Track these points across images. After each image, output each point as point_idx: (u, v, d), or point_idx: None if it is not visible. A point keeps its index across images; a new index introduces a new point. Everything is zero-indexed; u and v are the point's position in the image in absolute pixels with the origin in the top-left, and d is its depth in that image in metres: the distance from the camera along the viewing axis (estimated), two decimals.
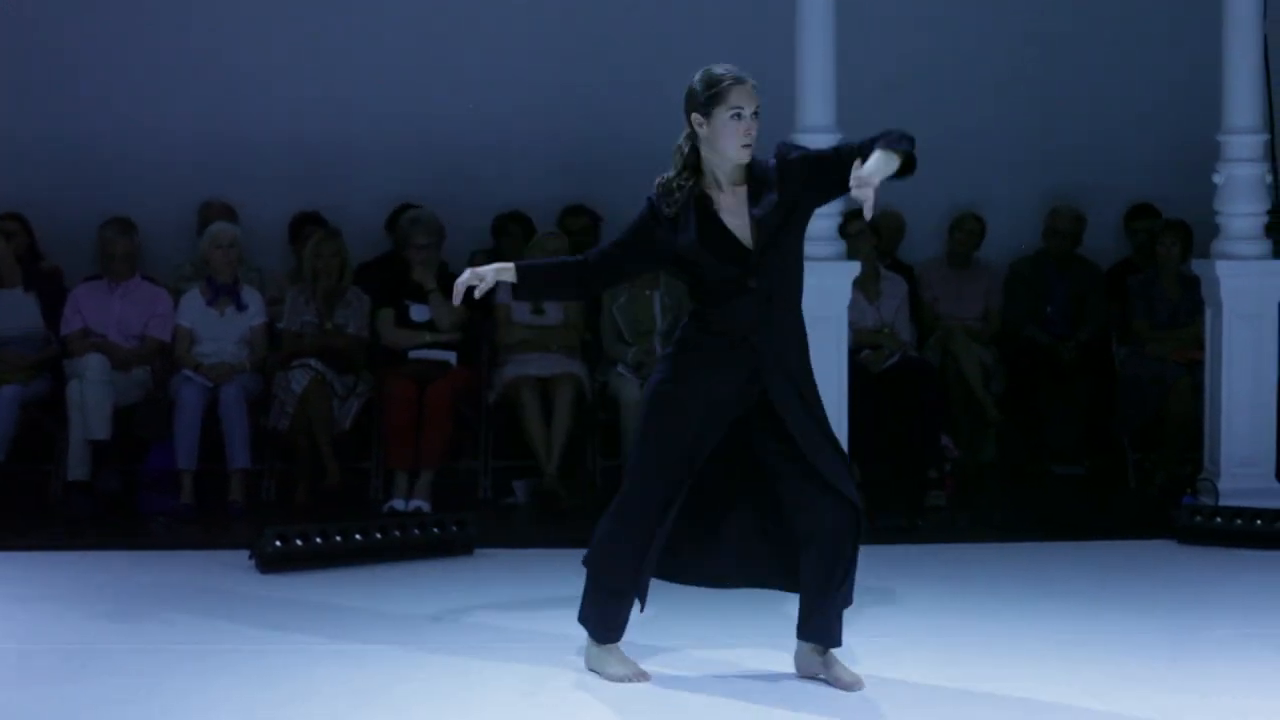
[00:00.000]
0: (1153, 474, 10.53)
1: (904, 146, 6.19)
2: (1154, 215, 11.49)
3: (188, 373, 10.06)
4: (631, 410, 10.16)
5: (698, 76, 6.35)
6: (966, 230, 11.54)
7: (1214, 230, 9.70)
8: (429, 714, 6.21)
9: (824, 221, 9.28)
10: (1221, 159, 9.57)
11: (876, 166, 6.12)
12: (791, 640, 6.52)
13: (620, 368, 10.37)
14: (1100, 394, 10.97)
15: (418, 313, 10.37)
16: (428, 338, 10.33)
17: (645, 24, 11.70)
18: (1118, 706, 6.25)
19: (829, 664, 6.46)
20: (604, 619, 6.57)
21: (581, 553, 6.60)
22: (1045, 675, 6.60)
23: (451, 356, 10.31)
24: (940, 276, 11.49)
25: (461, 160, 11.70)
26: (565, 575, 8.03)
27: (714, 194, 6.37)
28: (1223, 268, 9.52)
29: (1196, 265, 9.90)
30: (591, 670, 6.57)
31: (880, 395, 10.19)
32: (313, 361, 10.09)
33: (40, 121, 11.53)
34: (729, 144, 6.31)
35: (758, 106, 6.31)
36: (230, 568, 8.46)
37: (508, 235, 11.24)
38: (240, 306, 10.33)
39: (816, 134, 9.18)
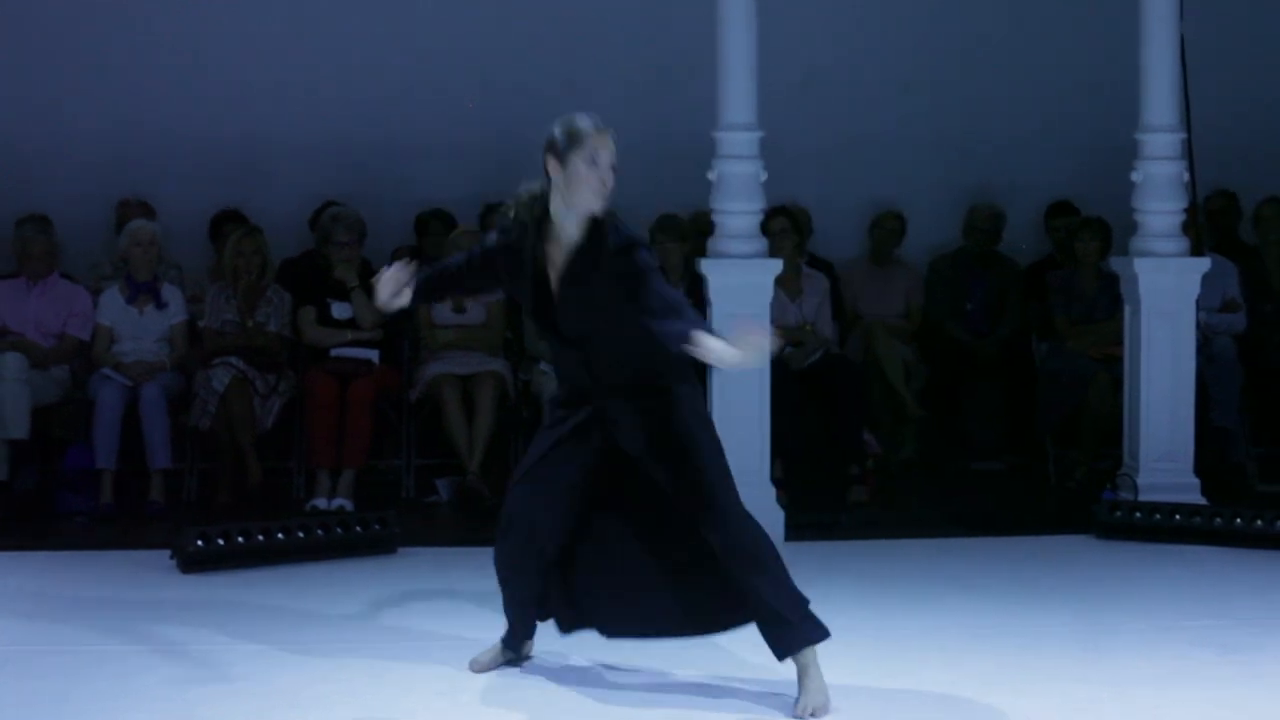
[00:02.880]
0: (1072, 469, 10.60)
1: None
2: (1073, 213, 11.57)
3: (107, 371, 9.99)
4: None
5: (558, 124, 6.17)
6: (887, 228, 11.61)
7: (1132, 228, 9.77)
8: (350, 714, 6.18)
9: (745, 219, 9.28)
10: (1140, 157, 9.63)
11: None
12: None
13: (543, 365, 10.35)
14: (1020, 390, 11.04)
15: (339, 311, 10.34)
16: (349, 336, 10.30)
17: (565, 23, 11.69)
18: (1036, 701, 6.28)
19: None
20: None
21: None
22: (964, 670, 6.63)
23: (373, 354, 10.28)
24: (861, 274, 11.55)
25: (383, 158, 11.66)
26: (488, 573, 8.03)
27: (552, 249, 6.18)
28: (1141, 265, 9.59)
29: (1115, 262, 9.97)
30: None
31: (802, 392, 10.22)
32: (234, 360, 10.04)
33: None
34: (583, 192, 6.13)
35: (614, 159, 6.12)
36: (151, 568, 8.41)
37: (431, 233, 11.20)
38: (160, 304, 10.27)
39: (737, 131, 9.19)
